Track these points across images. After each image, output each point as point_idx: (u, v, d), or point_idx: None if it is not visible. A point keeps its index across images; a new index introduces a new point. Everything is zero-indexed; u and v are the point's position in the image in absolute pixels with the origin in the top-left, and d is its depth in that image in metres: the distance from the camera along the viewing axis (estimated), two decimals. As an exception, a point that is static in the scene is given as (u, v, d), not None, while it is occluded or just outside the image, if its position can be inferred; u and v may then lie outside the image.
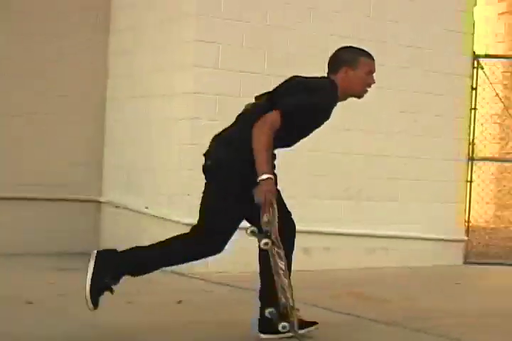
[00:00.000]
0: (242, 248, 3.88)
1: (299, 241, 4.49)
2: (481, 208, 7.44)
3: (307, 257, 5.18)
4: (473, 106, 6.10)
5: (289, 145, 3.23)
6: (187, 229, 3.16)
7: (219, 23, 4.91)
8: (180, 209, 4.73)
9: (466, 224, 6.16)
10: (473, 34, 5.97)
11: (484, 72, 6.08)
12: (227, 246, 3.11)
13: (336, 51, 3.29)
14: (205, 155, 3.16)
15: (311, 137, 3.17)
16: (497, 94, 6.38)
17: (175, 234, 3.05)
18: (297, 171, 5.05)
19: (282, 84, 3.17)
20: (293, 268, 3.29)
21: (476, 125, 6.29)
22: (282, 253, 2.94)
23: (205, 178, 3.12)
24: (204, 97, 4.82)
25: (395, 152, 5.60)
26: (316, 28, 5.29)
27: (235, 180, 2.98)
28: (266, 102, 3.09)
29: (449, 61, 5.81)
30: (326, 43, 4.98)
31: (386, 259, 5.65)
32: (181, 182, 4.81)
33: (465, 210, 6.14)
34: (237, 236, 3.08)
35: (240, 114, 3.19)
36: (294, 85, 3.16)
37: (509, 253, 6.73)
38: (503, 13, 8.40)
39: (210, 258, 3.18)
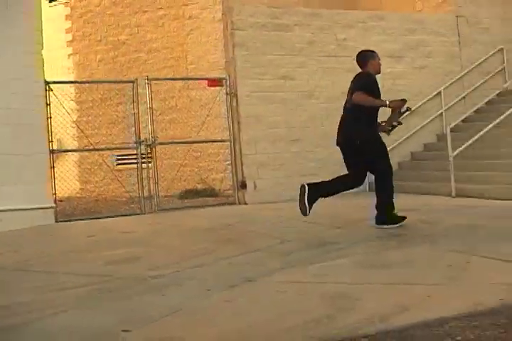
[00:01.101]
0: None
1: None
2: (70, 184, 9.31)
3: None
4: (49, 116, 7.58)
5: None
6: None
7: None
8: None
9: (54, 195, 7.57)
10: (43, 68, 7.47)
11: (54, 93, 7.64)
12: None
13: (358, 55, 5.68)
14: (343, 135, 5.57)
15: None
16: (64, 108, 7.95)
17: None
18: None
19: (354, 82, 5.54)
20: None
21: (57, 129, 7.88)
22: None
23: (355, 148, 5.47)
24: None
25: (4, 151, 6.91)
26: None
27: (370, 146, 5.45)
28: (352, 91, 5.41)
29: (30, 87, 7.26)
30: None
31: (2, 226, 6.73)
32: None
33: (52, 187, 7.51)
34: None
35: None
36: (357, 81, 5.50)
37: (89, 212, 8.47)
38: (71, 54, 11.24)
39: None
